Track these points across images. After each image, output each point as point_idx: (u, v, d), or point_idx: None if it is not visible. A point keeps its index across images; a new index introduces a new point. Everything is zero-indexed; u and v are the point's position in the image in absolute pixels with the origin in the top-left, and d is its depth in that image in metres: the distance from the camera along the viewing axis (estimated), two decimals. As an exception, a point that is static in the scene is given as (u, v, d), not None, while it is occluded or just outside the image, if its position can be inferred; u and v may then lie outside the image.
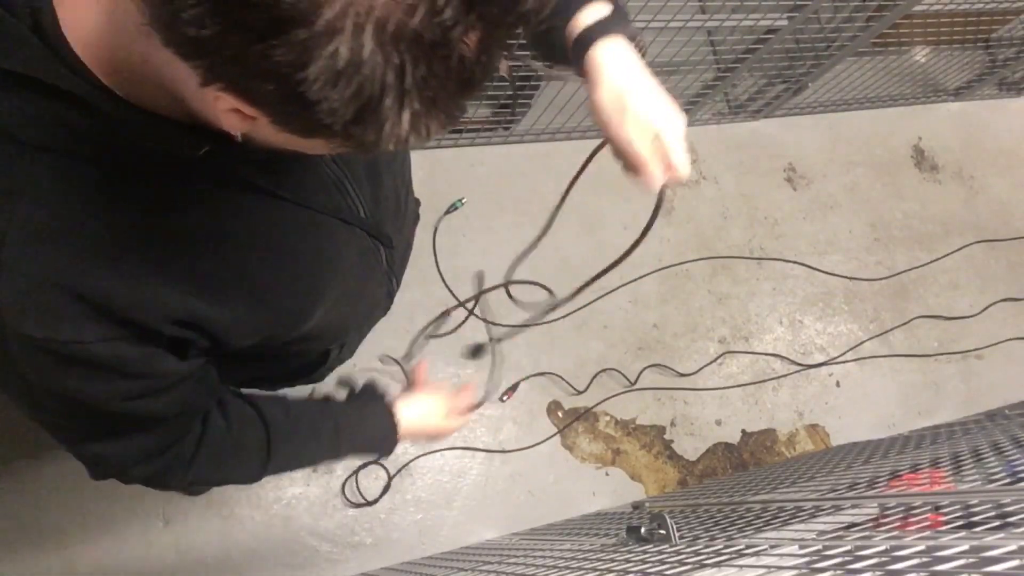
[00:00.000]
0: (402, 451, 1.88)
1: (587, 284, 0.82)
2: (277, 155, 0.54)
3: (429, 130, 0.44)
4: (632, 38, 0.76)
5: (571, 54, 0.76)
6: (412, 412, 1.04)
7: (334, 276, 0.78)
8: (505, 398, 2.02)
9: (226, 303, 0.64)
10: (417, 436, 1.07)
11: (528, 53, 0.81)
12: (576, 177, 0.85)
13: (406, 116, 0.42)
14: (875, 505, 0.87)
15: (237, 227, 0.63)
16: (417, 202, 1.16)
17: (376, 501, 1.82)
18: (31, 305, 0.53)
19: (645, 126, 0.72)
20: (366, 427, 0.97)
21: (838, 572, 0.56)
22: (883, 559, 0.55)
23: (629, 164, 0.75)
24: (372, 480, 1.85)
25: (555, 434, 2.03)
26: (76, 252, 0.53)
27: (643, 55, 0.77)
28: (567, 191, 0.87)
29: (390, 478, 1.84)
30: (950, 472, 1.05)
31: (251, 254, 0.65)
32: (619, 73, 0.73)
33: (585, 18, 0.76)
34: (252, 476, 0.85)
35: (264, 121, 0.45)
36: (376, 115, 0.41)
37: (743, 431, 2.23)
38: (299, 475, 1.80)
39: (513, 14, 0.41)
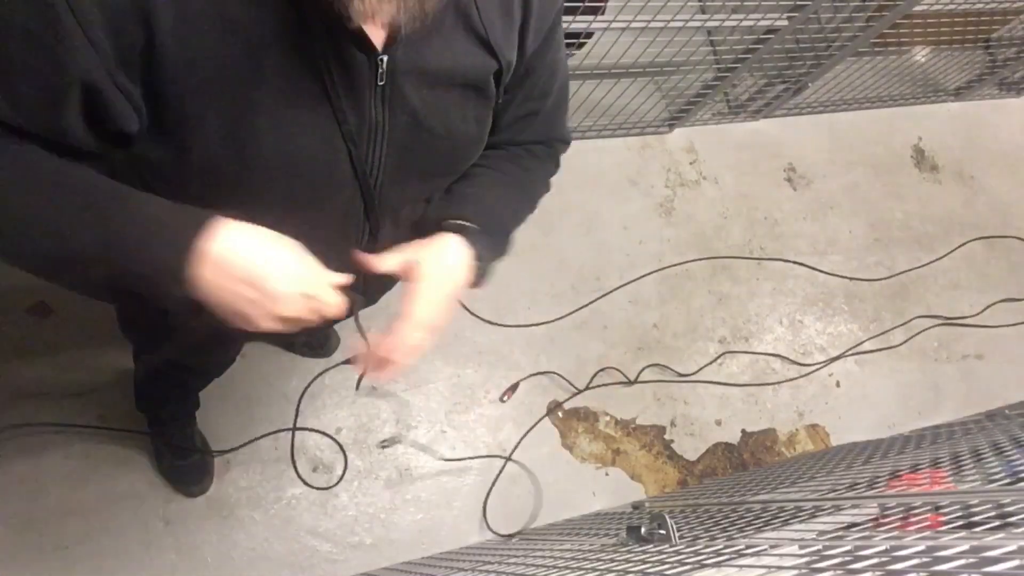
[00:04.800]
0: (402, 452, 1.89)
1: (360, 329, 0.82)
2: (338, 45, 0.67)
3: None
4: (480, 260, 0.82)
5: (426, 221, 0.85)
6: (247, 238, 0.67)
7: (311, 189, 0.76)
8: (505, 398, 2.02)
9: (214, 88, 0.66)
10: (231, 281, 0.66)
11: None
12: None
13: None
14: (875, 505, 0.87)
15: (262, 38, 0.66)
16: None
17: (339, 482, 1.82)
18: None
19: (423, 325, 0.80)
20: (167, 218, 0.66)
21: (838, 572, 0.56)
22: (883, 559, 0.55)
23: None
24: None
25: (544, 415, 2.03)
26: None
27: (479, 280, 0.84)
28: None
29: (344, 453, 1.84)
30: (950, 472, 1.05)
31: (259, 72, 0.67)
32: (447, 274, 0.80)
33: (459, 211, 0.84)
34: None
35: None
36: None
37: (743, 431, 2.23)
38: (298, 474, 1.80)
39: None
